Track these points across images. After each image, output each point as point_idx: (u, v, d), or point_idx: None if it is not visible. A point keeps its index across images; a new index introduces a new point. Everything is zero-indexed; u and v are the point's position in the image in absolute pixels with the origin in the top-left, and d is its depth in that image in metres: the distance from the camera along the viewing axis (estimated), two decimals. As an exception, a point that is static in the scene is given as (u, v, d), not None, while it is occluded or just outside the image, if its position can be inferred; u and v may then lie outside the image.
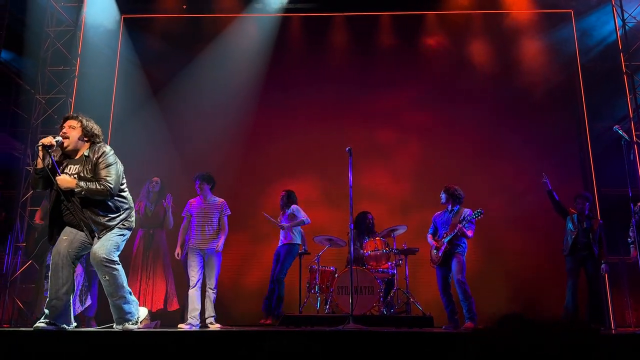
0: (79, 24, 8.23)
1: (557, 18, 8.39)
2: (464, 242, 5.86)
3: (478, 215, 5.77)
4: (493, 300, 6.95)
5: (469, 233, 5.80)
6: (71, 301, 3.76)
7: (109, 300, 3.76)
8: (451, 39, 8.50)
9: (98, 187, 3.59)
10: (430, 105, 8.19)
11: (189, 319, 5.61)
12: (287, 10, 8.54)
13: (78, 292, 5.43)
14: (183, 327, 5.53)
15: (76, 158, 3.76)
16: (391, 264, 6.46)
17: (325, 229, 7.21)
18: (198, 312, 5.66)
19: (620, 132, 5.33)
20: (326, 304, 6.35)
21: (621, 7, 7.97)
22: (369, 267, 6.34)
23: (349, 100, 8.32)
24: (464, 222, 5.76)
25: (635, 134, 7.72)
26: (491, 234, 7.44)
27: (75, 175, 3.65)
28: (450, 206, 6.02)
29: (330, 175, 7.87)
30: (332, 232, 6.81)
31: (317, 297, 6.45)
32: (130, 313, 3.74)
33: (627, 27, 7.91)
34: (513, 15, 8.45)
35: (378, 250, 6.39)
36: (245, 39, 8.55)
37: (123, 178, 3.85)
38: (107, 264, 3.63)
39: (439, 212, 6.19)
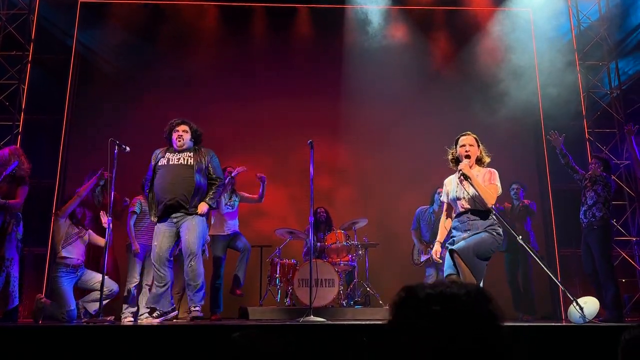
0: (32, 7, 7.91)
1: (516, 16, 8.56)
2: None
3: None
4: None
5: None
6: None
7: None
8: (413, 34, 8.56)
9: (215, 189, 4.78)
10: (392, 101, 8.21)
11: (126, 314, 5.57)
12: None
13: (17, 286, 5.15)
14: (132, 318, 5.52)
15: (185, 149, 4.80)
16: (352, 257, 6.51)
17: (286, 222, 7.19)
18: (135, 308, 5.64)
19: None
20: (286, 297, 6.36)
21: (577, 7, 8.22)
22: (330, 259, 6.37)
23: (313, 89, 8.28)
24: None
25: (587, 131, 8.00)
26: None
27: (190, 159, 4.73)
28: (435, 206, 6.25)
29: (292, 167, 7.85)
30: (294, 225, 6.80)
31: (278, 289, 6.45)
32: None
33: (581, 27, 8.17)
34: (473, 13, 8.60)
35: (339, 242, 6.43)
36: (209, 26, 8.43)
37: None
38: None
39: (422, 208, 6.36)
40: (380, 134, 8.15)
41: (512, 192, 6.69)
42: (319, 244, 6.57)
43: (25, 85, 7.73)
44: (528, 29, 8.51)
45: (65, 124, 7.82)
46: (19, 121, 7.61)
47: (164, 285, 4.62)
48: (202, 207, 4.59)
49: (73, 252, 5.30)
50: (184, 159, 4.73)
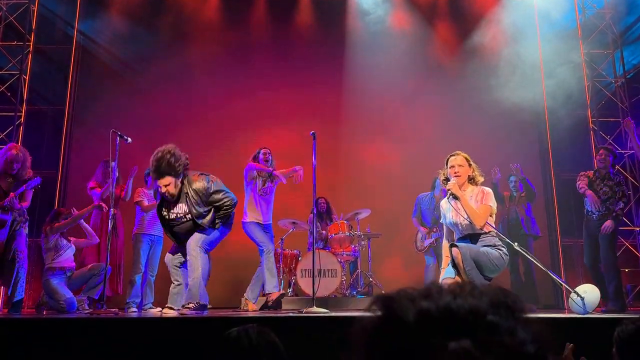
0: (33, -4, 7.88)
1: (520, 4, 8.46)
2: None
3: None
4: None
5: None
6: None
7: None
8: (416, 22, 8.49)
9: (220, 214, 4.55)
10: (395, 90, 8.16)
11: (130, 304, 5.58)
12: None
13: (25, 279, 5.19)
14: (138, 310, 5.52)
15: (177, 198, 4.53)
16: (355, 247, 6.51)
17: (288, 213, 7.18)
18: (140, 299, 5.65)
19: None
20: (289, 287, 6.38)
21: (581, -5, 8.14)
22: (333, 250, 6.38)
23: (315, 79, 8.21)
24: None
25: (591, 120, 7.95)
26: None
27: (184, 207, 4.47)
28: (436, 191, 6.22)
29: (294, 157, 7.80)
30: (296, 216, 6.80)
31: (281, 279, 6.46)
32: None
33: (586, 15, 8.08)
34: (476, 1, 8.51)
35: (342, 233, 6.43)
36: (210, 16, 8.39)
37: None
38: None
39: (423, 194, 6.34)
40: (383, 123, 8.11)
41: (511, 185, 6.62)
42: (323, 232, 6.57)
43: (26, 76, 7.72)
44: (532, 16, 8.41)
45: (67, 114, 7.80)
46: (21, 112, 7.60)
47: (177, 285, 4.56)
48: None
49: (64, 260, 5.36)
50: (178, 215, 4.47)
